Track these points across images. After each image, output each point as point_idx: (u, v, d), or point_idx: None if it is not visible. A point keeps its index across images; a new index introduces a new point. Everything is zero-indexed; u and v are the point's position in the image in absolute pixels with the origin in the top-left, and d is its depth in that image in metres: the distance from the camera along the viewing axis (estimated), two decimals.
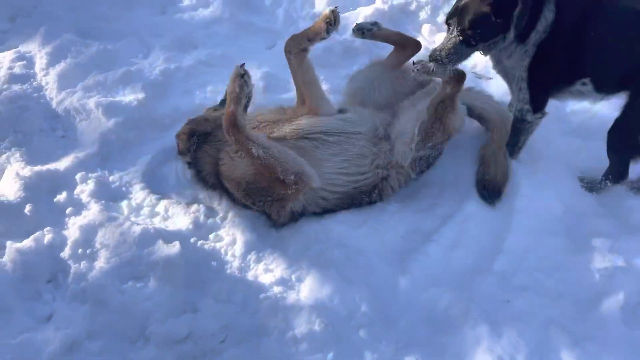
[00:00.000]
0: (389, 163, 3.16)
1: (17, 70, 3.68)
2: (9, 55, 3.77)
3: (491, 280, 2.87)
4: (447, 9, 4.09)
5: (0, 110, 3.45)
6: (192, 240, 3.03)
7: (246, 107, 2.82)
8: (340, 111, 3.29)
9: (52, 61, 3.72)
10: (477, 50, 2.93)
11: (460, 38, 2.83)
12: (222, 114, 2.84)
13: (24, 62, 3.74)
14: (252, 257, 2.98)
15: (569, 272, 2.90)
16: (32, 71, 3.71)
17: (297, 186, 2.88)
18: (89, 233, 2.94)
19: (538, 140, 3.35)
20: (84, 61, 3.71)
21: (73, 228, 2.96)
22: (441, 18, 3.96)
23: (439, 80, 3.24)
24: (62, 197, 3.12)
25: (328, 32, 3.04)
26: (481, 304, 2.77)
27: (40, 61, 3.73)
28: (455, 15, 2.81)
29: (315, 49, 3.88)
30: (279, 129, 3.10)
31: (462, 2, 2.78)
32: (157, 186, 3.26)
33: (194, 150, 3.12)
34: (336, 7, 3.05)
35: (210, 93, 3.78)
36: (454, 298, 2.80)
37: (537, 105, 3.02)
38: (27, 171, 3.14)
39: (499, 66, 3.10)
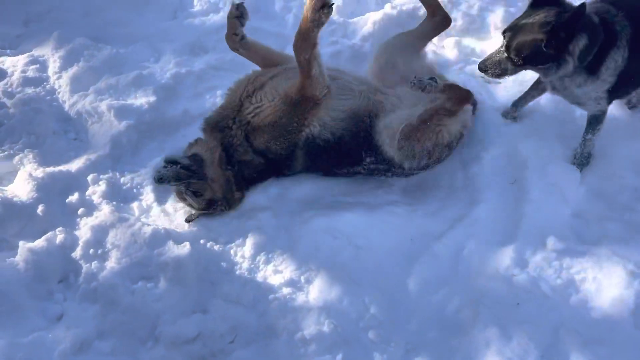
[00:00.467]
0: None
1: (30, 73, 3.73)
2: (22, 59, 3.82)
3: (500, 283, 2.86)
4: (455, 13, 4.12)
5: (14, 112, 3.50)
6: (202, 241, 3.05)
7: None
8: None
9: (65, 65, 3.77)
10: (526, 69, 2.88)
11: (506, 55, 2.79)
12: None
13: (37, 65, 3.79)
14: (261, 258, 3.00)
15: (578, 276, 2.89)
16: (45, 74, 3.76)
17: (328, 94, 3.10)
18: (100, 233, 2.97)
19: (546, 145, 3.35)
20: (96, 65, 3.76)
21: (84, 228, 3.00)
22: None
23: None
24: (74, 198, 3.15)
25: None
26: (491, 307, 2.76)
27: (53, 65, 3.78)
28: (510, 31, 2.74)
29: (324, 54, 3.92)
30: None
31: (523, 21, 2.69)
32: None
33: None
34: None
35: (220, 97, 3.80)
36: (464, 300, 2.79)
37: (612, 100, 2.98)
38: (39, 172, 3.18)
39: (563, 92, 3.00)
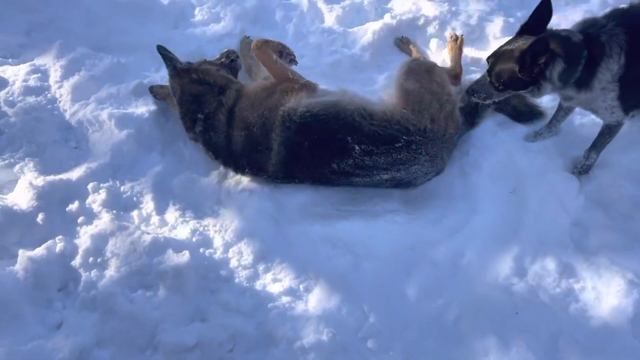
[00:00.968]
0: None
1: (32, 82, 3.75)
2: (24, 68, 3.84)
3: (499, 291, 2.86)
4: (454, 24, 4.14)
5: (15, 121, 3.51)
6: (201, 249, 3.06)
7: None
8: None
9: (67, 74, 3.78)
10: (509, 93, 2.93)
11: (489, 80, 2.86)
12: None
13: (39, 74, 3.81)
14: (260, 266, 3.00)
15: (577, 285, 2.89)
16: (46, 83, 3.78)
17: (300, 82, 3.37)
18: (99, 242, 2.97)
19: (544, 153, 3.36)
20: (98, 74, 3.77)
21: (84, 237, 3.00)
22: (448, 33, 4.00)
23: None
24: (74, 206, 3.16)
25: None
26: (489, 316, 2.77)
27: (54, 74, 3.80)
28: (492, 57, 2.82)
29: (323, 63, 3.97)
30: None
31: (503, 49, 2.76)
32: (167, 196, 3.30)
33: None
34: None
35: None
36: (463, 309, 2.80)
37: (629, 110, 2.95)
38: (40, 181, 3.19)
39: (572, 101, 3.01)
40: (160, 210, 3.24)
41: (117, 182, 3.33)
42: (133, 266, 2.89)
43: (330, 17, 4.31)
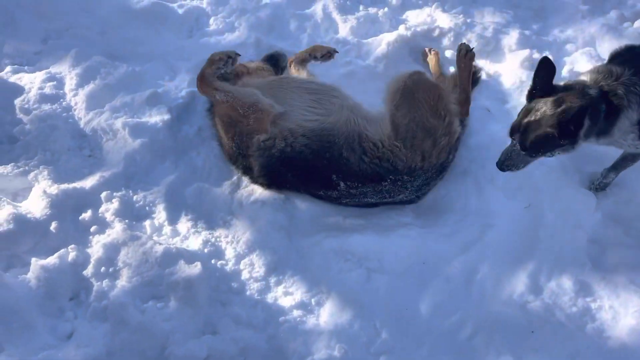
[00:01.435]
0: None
1: (47, 90, 3.77)
2: (40, 75, 3.86)
3: (515, 309, 2.82)
4: (469, 35, 4.12)
5: (29, 129, 3.53)
6: (213, 261, 3.04)
7: (220, 73, 3.29)
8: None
9: (82, 82, 3.80)
10: (545, 157, 2.88)
11: (523, 153, 2.79)
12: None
13: (54, 82, 3.83)
14: (272, 279, 2.99)
15: (594, 304, 2.84)
16: (61, 91, 3.79)
17: (255, 115, 3.17)
18: (112, 251, 2.97)
19: (560, 169, 3.32)
20: (113, 82, 3.79)
21: (97, 246, 3.00)
22: (459, 45, 3.97)
23: None
24: (87, 215, 3.16)
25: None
26: (504, 334, 2.73)
27: (70, 82, 3.82)
28: (517, 132, 2.75)
29: (338, 74, 3.95)
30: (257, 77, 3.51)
31: (526, 120, 2.69)
32: (180, 206, 3.29)
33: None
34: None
35: None
36: (477, 326, 2.76)
37: None
38: (54, 189, 3.20)
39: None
40: (173, 220, 3.23)
41: (130, 192, 3.32)
42: (145, 277, 2.88)
43: (344, 28, 4.30)
